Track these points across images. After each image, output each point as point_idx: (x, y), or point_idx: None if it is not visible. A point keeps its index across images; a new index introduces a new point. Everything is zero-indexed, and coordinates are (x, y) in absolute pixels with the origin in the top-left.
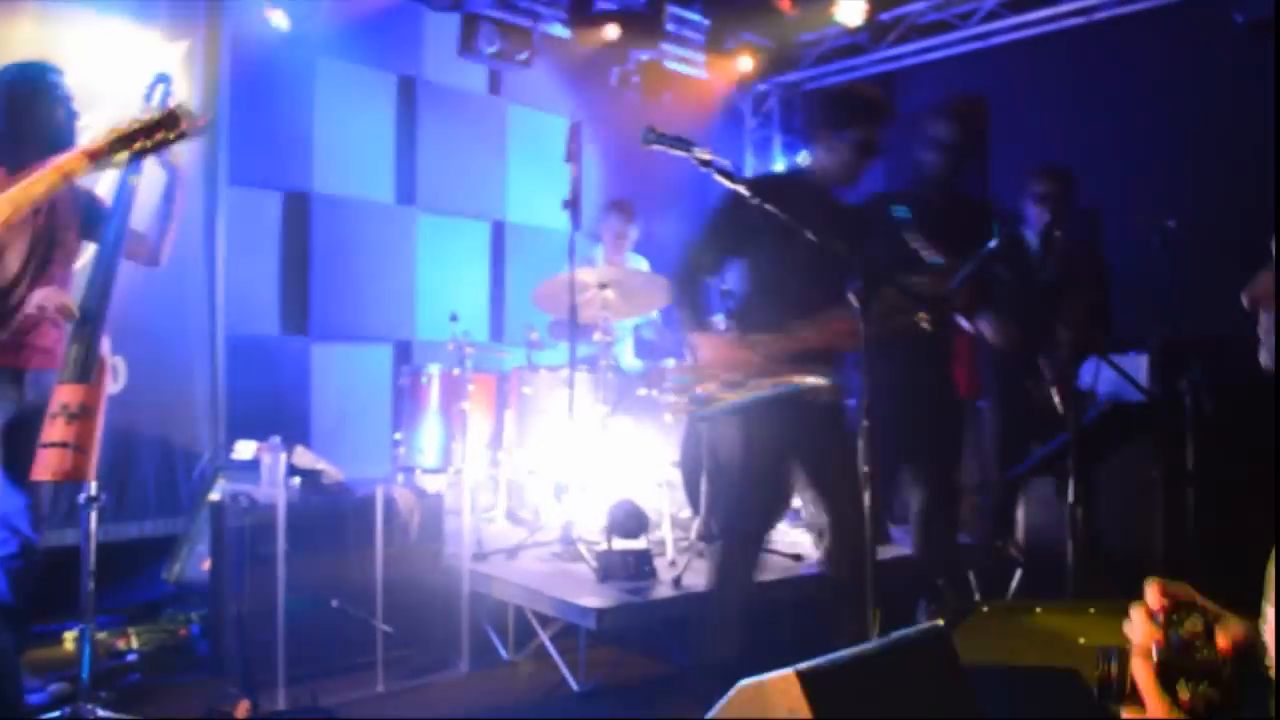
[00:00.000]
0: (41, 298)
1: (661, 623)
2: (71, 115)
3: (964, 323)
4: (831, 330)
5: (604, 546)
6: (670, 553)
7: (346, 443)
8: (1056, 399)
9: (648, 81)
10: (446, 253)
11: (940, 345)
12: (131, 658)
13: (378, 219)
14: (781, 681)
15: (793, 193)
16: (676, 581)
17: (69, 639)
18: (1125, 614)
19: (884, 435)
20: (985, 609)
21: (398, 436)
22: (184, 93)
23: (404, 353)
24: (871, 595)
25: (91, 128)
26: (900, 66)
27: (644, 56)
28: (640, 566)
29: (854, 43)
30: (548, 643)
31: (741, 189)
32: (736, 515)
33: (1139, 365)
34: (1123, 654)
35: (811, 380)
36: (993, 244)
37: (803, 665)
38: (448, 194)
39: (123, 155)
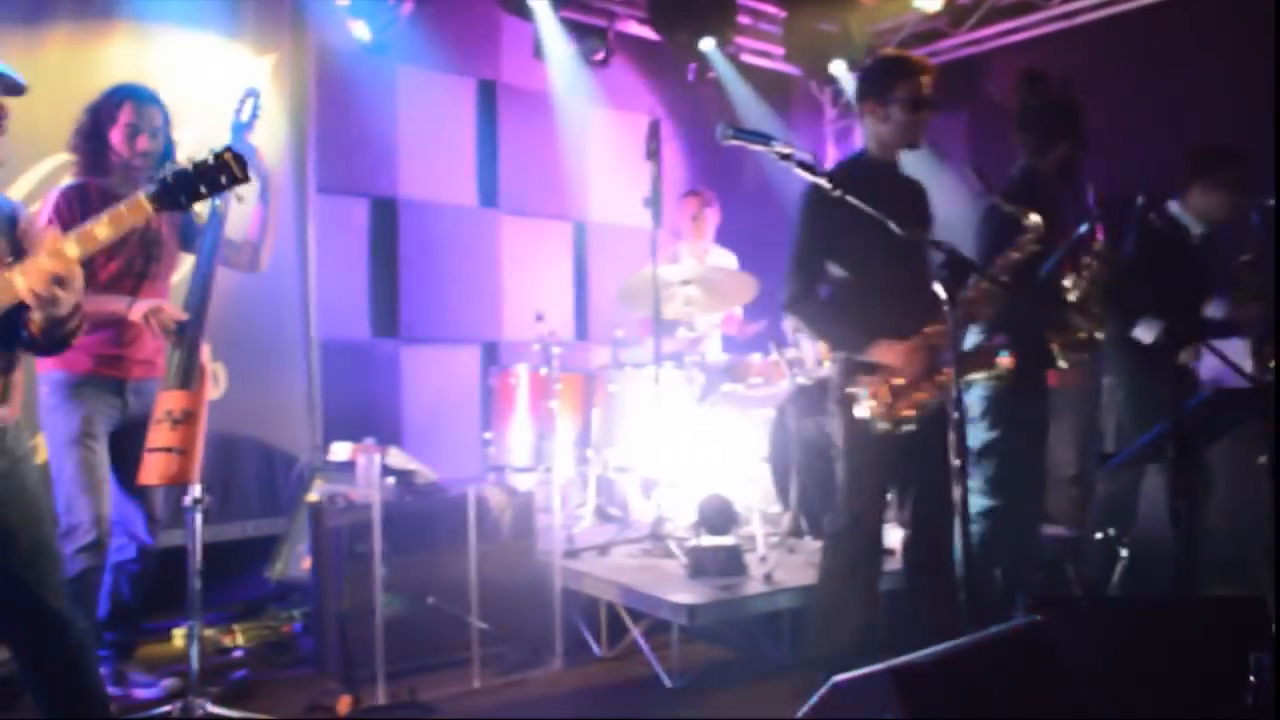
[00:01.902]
0: (147, 310)
1: (753, 619)
2: (168, 140)
3: None
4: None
5: (694, 542)
6: (760, 548)
7: (437, 443)
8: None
9: (727, 75)
10: (530, 253)
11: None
12: (237, 654)
13: (462, 222)
14: (875, 678)
15: (863, 178)
16: (767, 577)
17: (178, 636)
18: None
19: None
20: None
21: (488, 436)
22: (272, 105)
23: (491, 353)
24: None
25: (185, 143)
26: (983, 50)
27: (723, 51)
28: (731, 562)
29: (934, 28)
30: (640, 639)
31: (823, 182)
32: (862, 508)
33: (1241, 349)
34: None
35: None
36: (1085, 228)
37: (897, 661)
38: (530, 195)
39: (182, 198)
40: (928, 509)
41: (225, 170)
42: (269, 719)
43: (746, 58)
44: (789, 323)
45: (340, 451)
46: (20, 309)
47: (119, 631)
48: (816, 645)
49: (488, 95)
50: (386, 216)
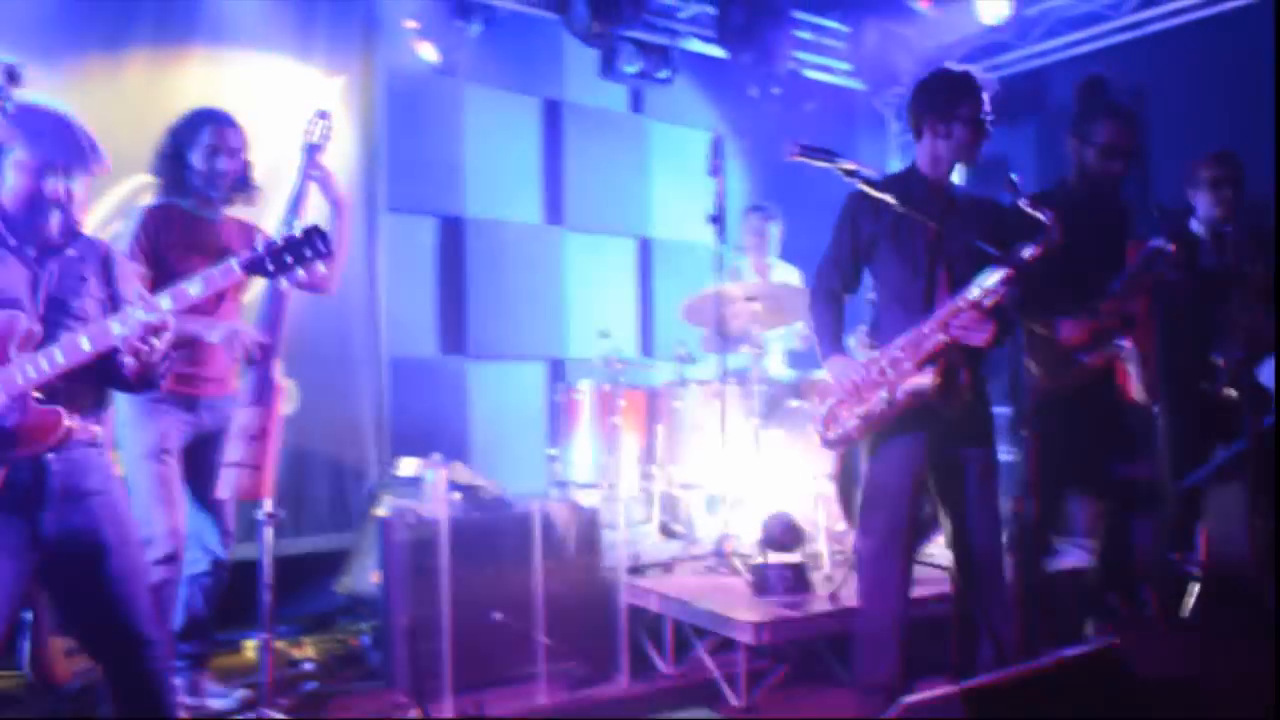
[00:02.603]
0: (227, 334)
1: (820, 637)
2: (245, 163)
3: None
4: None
5: (759, 560)
6: (826, 566)
7: (503, 459)
8: (1234, 396)
9: (789, 91)
10: (595, 270)
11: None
12: (307, 666)
13: (528, 240)
14: (944, 699)
15: (900, 191)
16: (833, 596)
17: (249, 648)
18: None
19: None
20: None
21: (553, 452)
22: (342, 126)
23: (557, 370)
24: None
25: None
26: (1049, 62)
27: (784, 67)
28: (796, 580)
29: (998, 40)
30: (705, 657)
31: (888, 198)
32: (885, 528)
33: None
34: None
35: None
36: (1156, 243)
37: (968, 682)
38: (594, 212)
39: (270, 268)
40: (969, 527)
41: (311, 246)
42: None
43: (810, 73)
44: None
45: (408, 467)
46: (115, 350)
47: (193, 643)
48: (865, 669)
49: (553, 113)
50: (454, 235)
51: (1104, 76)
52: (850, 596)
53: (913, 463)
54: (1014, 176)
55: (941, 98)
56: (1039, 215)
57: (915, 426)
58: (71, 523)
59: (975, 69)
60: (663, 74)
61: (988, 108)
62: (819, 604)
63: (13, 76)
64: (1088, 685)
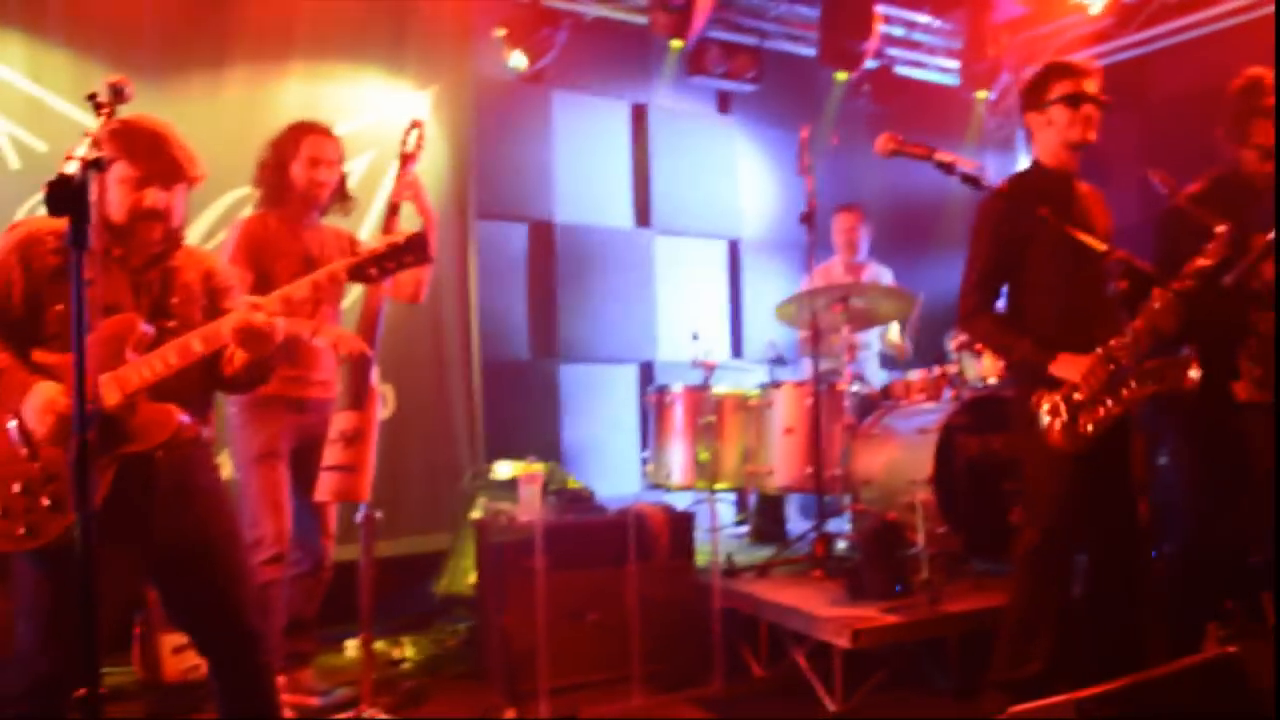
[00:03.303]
0: (335, 338)
1: (918, 643)
2: (314, 180)
3: None
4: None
5: (856, 564)
6: (925, 571)
7: (596, 461)
8: None
9: (878, 88)
10: (685, 273)
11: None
12: (405, 666)
13: (617, 243)
14: (1056, 709)
15: (1036, 189)
16: (932, 600)
17: (350, 647)
18: None
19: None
20: None
21: (645, 454)
22: (434, 135)
23: (648, 372)
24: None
25: (355, 173)
26: (1151, 50)
27: (874, 64)
28: (894, 585)
29: (1099, 29)
30: (801, 661)
31: (996, 189)
32: (1052, 525)
33: None
34: None
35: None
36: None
37: (1081, 693)
38: (683, 215)
39: (373, 272)
40: (1115, 530)
41: (413, 251)
42: None
43: (901, 69)
44: (954, 338)
45: (502, 469)
46: (220, 352)
47: (297, 641)
48: (1005, 668)
49: (640, 116)
50: (544, 239)
51: (1261, 77)
52: (950, 602)
53: (1100, 463)
54: (1162, 176)
55: (1037, 86)
56: (1212, 223)
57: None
58: (180, 519)
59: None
60: (750, 75)
61: (1085, 88)
62: (917, 608)
63: (119, 94)
64: (1204, 694)
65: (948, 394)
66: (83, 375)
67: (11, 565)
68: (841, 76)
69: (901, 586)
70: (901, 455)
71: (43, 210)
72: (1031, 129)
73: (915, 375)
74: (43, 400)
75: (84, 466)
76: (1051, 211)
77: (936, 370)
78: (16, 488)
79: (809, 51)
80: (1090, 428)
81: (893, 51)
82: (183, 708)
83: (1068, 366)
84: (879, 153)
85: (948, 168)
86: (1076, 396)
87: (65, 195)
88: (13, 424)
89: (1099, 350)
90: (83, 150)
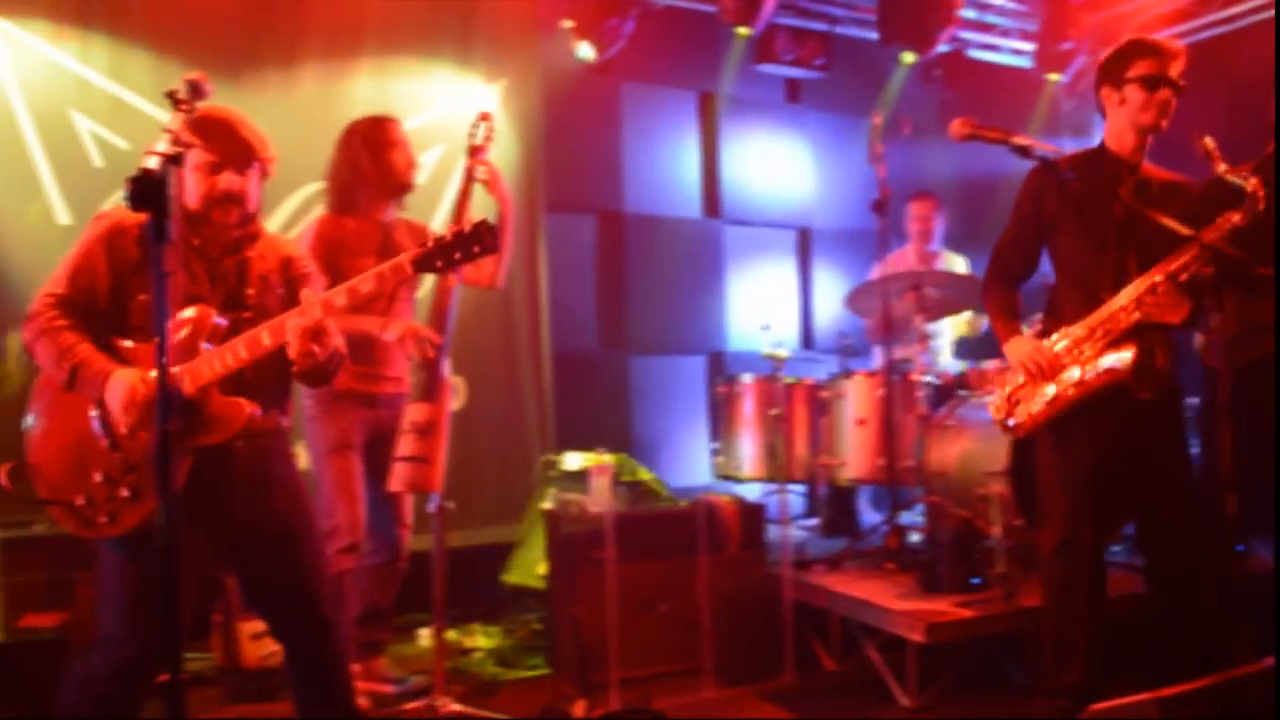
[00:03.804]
0: (405, 332)
1: (994, 638)
2: (410, 163)
3: None
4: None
5: (930, 557)
6: (1001, 565)
7: (666, 453)
8: None
9: (950, 72)
10: (754, 262)
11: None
12: (477, 655)
13: (686, 234)
14: (1139, 709)
15: (1088, 169)
16: (1008, 595)
17: (423, 636)
18: None
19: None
20: None
21: (715, 446)
22: (503, 128)
23: (717, 363)
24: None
25: (425, 166)
26: (1235, 28)
27: (946, 47)
28: (969, 578)
29: (1180, 7)
30: (873, 655)
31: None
32: (1070, 526)
33: None
34: None
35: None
36: None
37: (1165, 692)
38: (752, 204)
39: (439, 263)
40: (1163, 520)
41: (479, 240)
42: (509, 718)
43: (974, 52)
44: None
45: (572, 460)
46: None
47: (371, 630)
48: (1053, 674)
49: (709, 106)
50: (613, 231)
51: None
52: (1027, 596)
53: (1099, 451)
54: (1209, 142)
55: (1114, 64)
56: (1240, 182)
57: (1102, 412)
58: (258, 508)
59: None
60: (819, 62)
61: (1164, 70)
62: (993, 603)
63: (198, 91)
64: None
65: None
66: (165, 367)
67: (98, 552)
68: (908, 58)
69: (976, 580)
70: (976, 446)
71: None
72: (1103, 106)
73: (990, 365)
74: (123, 387)
75: (166, 456)
76: (1101, 195)
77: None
78: (98, 477)
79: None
80: (1025, 415)
81: (965, 34)
82: (261, 693)
83: (1015, 349)
84: (954, 137)
85: (1025, 152)
86: (1015, 383)
87: (146, 190)
88: (94, 414)
89: (1055, 335)
90: (162, 146)
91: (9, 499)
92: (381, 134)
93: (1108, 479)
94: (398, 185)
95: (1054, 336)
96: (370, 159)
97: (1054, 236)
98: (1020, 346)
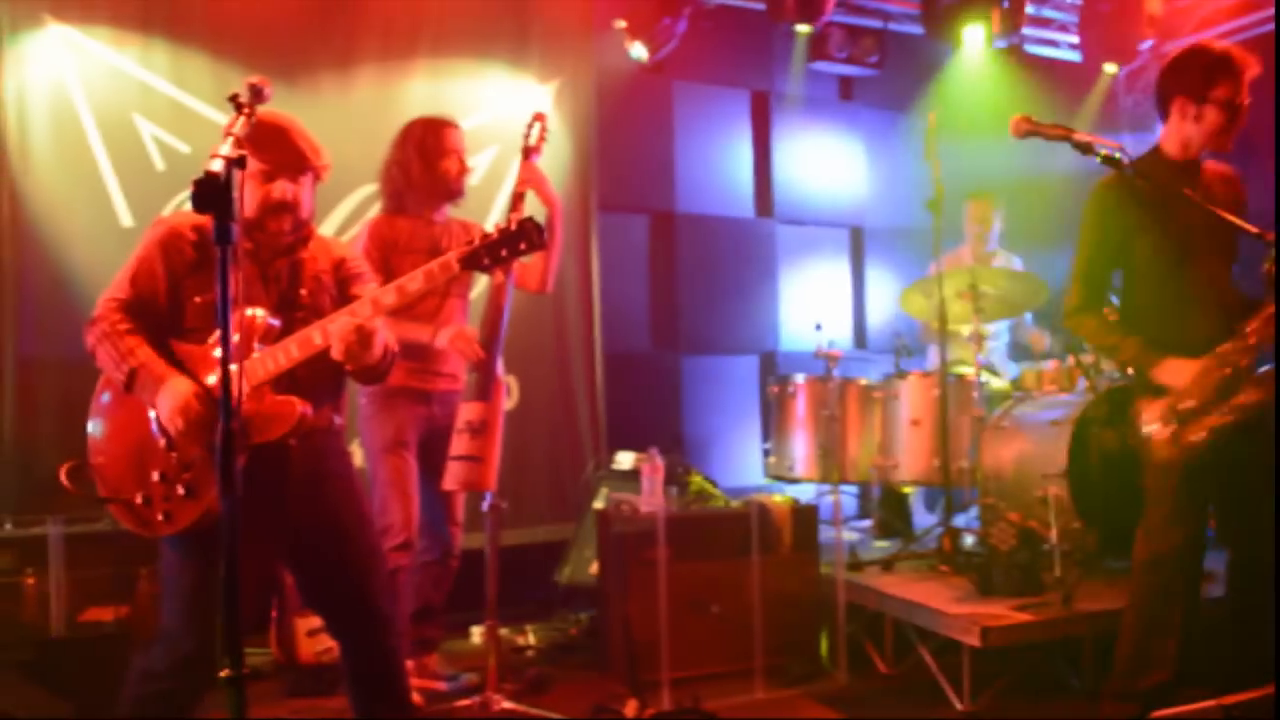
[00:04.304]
0: (453, 337)
1: (1052, 643)
2: (462, 170)
3: None
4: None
5: (986, 560)
6: (1058, 568)
7: (718, 452)
8: None
9: (1009, 68)
10: (807, 262)
11: None
12: (529, 653)
13: (739, 233)
14: (1203, 714)
15: (1162, 174)
16: (1066, 599)
17: (476, 633)
18: None
19: None
20: None
21: (768, 446)
22: (556, 128)
23: (770, 363)
24: None
25: (479, 168)
26: None
27: (1003, 43)
28: (1026, 581)
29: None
30: (928, 658)
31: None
32: (1176, 536)
33: None
34: None
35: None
36: None
37: (1230, 698)
38: (805, 203)
39: (486, 260)
40: (1249, 529)
41: (526, 237)
42: (560, 716)
43: (1031, 47)
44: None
45: (624, 460)
46: None
47: (424, 627)
48: (1128, 678)
49: (761, 105)
50: (665, 231)
51: None
52: (1084, 600)
53: (1212, 467)
54: None
55: (1196, 77)
56: None
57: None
58: (315, 505)
59: (1236, 47)
60: (873, 59)
61: (1246, 92)
62: (1050, 607)
63: (259, 94)
64: None
65: (1082, 385)
66: (228, 368)
67: (158, 550)
68: (1111, 69)
69: (1034, 583)
70: (1033, 448)
71: (187, 207)
72: (1170, 112)
73: (1047, 366)
74: (174, 397)
75: (230, 455)
76: (1169, 200)
77: (1070, 360)
78: (156, 476)
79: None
80: (1198, 438)
81: (1025, 29)
82: (316, 688)
83: (1174, 372)
84: (1013, 134)
85: (1086, 148)
86: (1184, 406)
87: (211, 192)
88: (153, 414)
89: (1209, 356)
90: (226, 149)
91: (75, 497)
92: (436, 140)
93: (1202, 489)
94: (448, 190)
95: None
96: (422, 164)
97: (1131, 250)
98: (1181, 370)
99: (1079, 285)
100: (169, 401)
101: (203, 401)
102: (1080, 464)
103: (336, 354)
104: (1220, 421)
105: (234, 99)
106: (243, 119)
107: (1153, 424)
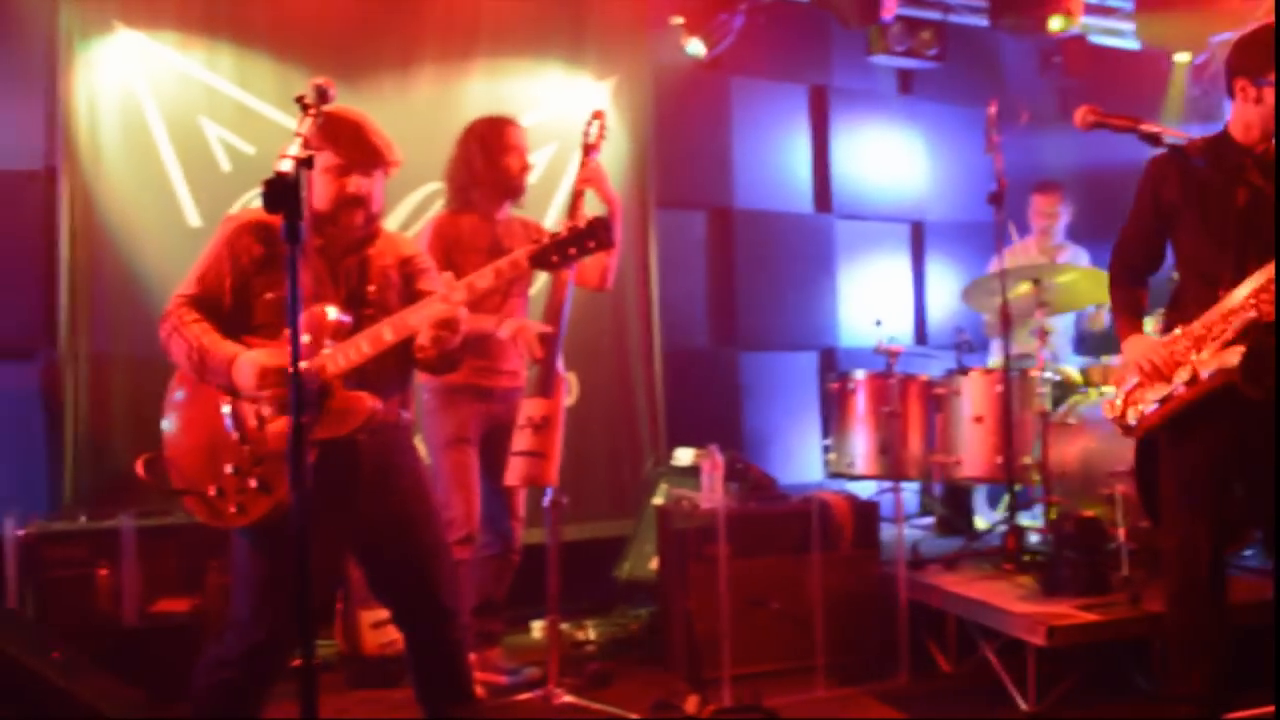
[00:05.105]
0: (516, 331)
1: (1118, 643)
2: (523, 167)
3: None
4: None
5: (1051, 558)
6: (1126, 568)
7: (777, 449)
8: None
9: (1072, 59)
10: (866, 257)
11: None
12: (588, 648)
13: (797, 229)
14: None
15: (1221, 157)
16: (1133, 598)
17: (537, 628)
18: None
19: None
20: None
21: (827, 442)
22: (614, 125)
23: (829, 359)
24: None
25: (537, 165)
26: None
27: (1067, 34)
28: (1092, 581)
29: None
30: (991, 658)
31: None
32: (1187, 526)
33: None
34: None
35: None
36: None
37: None
38: (864, 198)
39: (555, 258)
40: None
41: (595, 236)
42: (621, 712)
43: (1095, 38)
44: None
45: (683, 456)
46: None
47: (487, 621)
48: (1177, 680)
49: (819, 100)
50: (723, 227)
51: None
52: (1153, 600)
53: (1217, 452)
54: None
55: (1256, 58)
56: None
57: (1221, 413)
58: (383, 498)
59: None
60: (933, 52)
61: None
62: (1117, 607)
63: (324, 95)
64: None
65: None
66: (298, 362)
67: (230, 541)
68: (1183, 59)
69: (1101, 583)
70: (1099, 445)
71: (254, 205)
72: (1235, 95)
73: (1114, 361)
74: (250, 365)
75: (301, 448)
76: (1225, 184)
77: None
78: (229, 469)
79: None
80: (1138, 416)
81: (1086, 19)
82: (380, 680)
83: (1131, 348)
84: (1079, 126)
85: (1154, 139)
86: (1130, 382)
87: (281, 192)
88: (226, 408)
89: (1169, 335)
90: (295, 149)
91: (144, 490)
92: (497, 137)
93: (1225, 481)
94: (510, 188)
95: (1172, 334)
96: (484, 161)
97: (1175, 227)
98: (1136, 345)
99: (1116, 253)
100: (245, 372)
101: (277, 371)
102: (1149, 462)
103: (423, 339)
104: (1177, 400)
105: (301, 100)
106: (310, 120)
107: (1114, 400)
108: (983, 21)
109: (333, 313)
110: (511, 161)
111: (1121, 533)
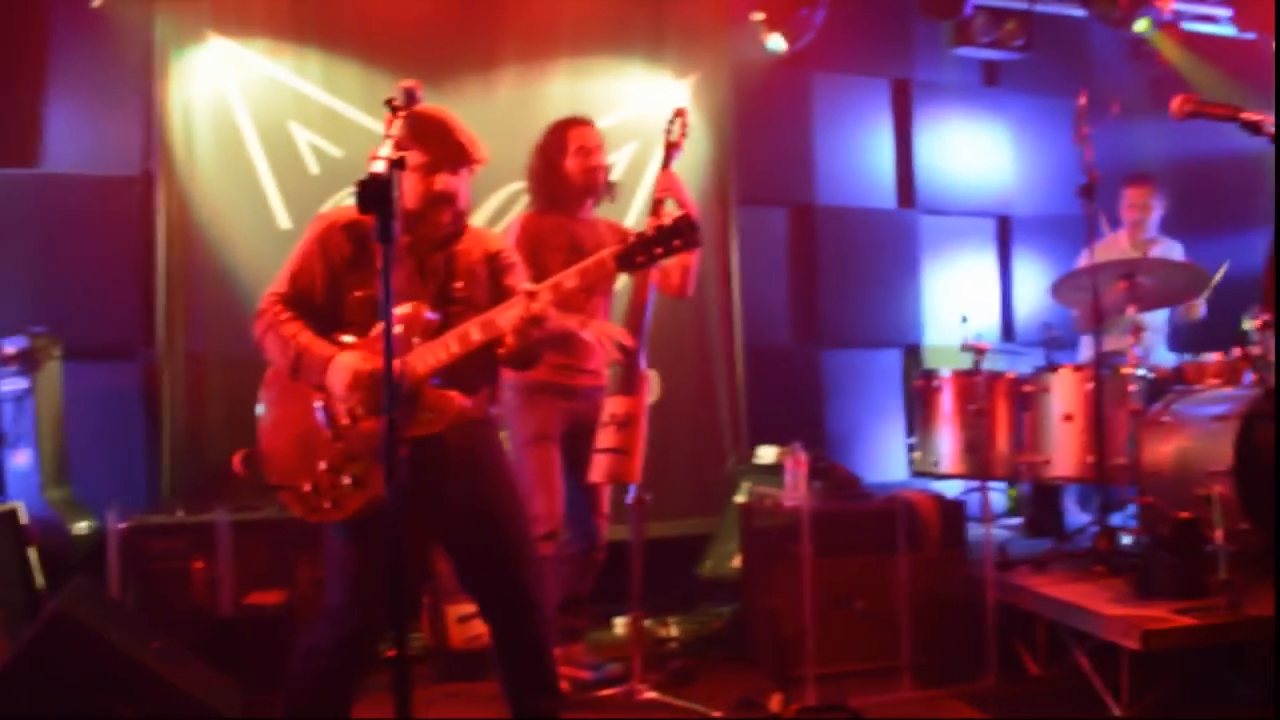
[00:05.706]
0: (598, 331)
1: (1218, 649)
2: (587, 168)
3: None
4: None
5: (1145, 560)
6: (1224, 571)
7: (861, 447)
8: None
9: (1165, 46)
10: (951, 253)
11: None
12: (671, 645)
13: (880, 225)
14: None
15: None
16: (1233, 603)
17: (619, 624)
18: None
19: None
20: None
21: (912, 441)
22: (695, 123)
23: (914, 356)
24: None
25: (618, 164)
26: None
27: (1160, 20)
28: (1188, 583)
29: None
30: (1083, 661)
31: None
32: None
33: None
34: None
35: None
36: None
37: None
38: (949, 193)
39: (641, 258)
40: None
41: (680, 234)
42: (703, 709)
43: (1188, 24)
44: (1255, 317)
45: (766, 454)
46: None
47: (571, 617)
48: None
49: (902, 94)
50: (805, 223)
51: None
52: (1253, 605)
53: None
54: None
55: None
56: None
57: None
58: (472, 493)
59: None
60: (1019, 42)
61: None
62: (1215, 611)
63: (411, 97)
64: None
65: (1248, 378)
66: (390, 360)
67: (322, 534)
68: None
69: (1198, 586)
70: (1195, 445)
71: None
72: None
73: (1210, 358)
74: (344, 369)
75: (393, 444)
76: None
77: (1236, 352)
78: (323, 465)
79: (1081, 13)
80: None
81: (1179, 6)
82: (466, 673)
83: None
84: (1174, 115)
85: (1255, 128)
86: None
87: (375, 193)
88: (319, 406)
89: None
90: (386, 150)
91: (238, 485)
92: (556, 142)
93: None
94: (582, 188)
95: None
96: (543, 166)
97: None
98: None
99: (1270, 265)
100: (339, 375)
101: (370, 375)
102: (1249, 462)
103: (511, 338)
104: None
105: (389, 102)
106: (399, 121)
107: None
108: (1070, 10)
109: (422, 311)
110: (570, 165)
111: (1219, 534)
